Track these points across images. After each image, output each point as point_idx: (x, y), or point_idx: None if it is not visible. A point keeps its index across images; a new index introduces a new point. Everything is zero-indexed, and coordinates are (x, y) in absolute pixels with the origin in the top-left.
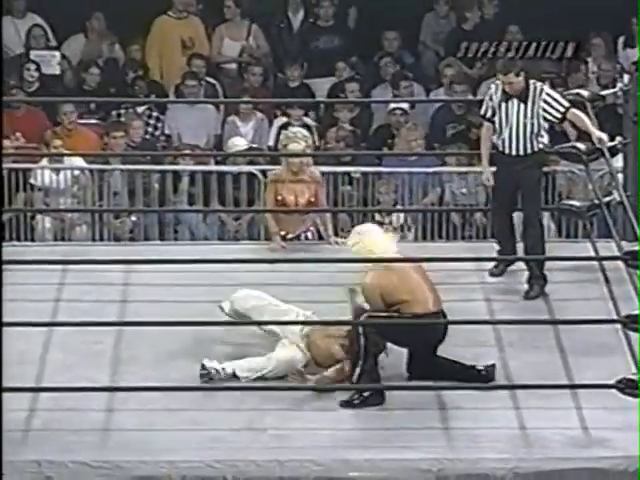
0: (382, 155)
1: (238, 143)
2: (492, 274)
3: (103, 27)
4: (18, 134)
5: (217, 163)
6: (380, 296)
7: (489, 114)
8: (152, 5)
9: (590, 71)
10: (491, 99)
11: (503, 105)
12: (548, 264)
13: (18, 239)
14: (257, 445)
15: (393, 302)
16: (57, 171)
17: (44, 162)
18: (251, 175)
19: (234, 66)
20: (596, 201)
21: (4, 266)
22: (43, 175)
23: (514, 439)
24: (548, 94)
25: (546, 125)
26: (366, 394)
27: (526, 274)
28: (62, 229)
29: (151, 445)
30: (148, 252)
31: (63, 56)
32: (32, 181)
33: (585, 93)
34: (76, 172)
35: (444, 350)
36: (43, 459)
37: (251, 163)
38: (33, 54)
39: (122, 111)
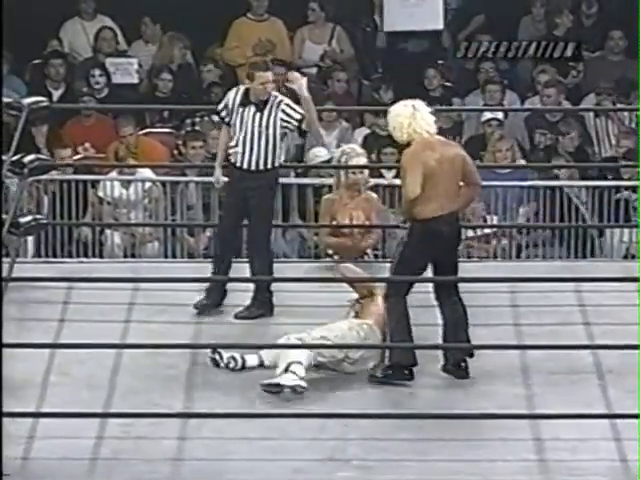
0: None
1: (320, 154)
2: (196, 307)
3: (155, 32)
4: (87, 144)
5: (297, 175)
6: (420, 165)
7: (227, 117)
8: (230, 7)
9: None
10: (230, 102)
11: (240, 110)
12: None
13: (86, 255)
14: (339, 476)
15: (424, 185)
16: (127, 183)
17: (113, 174)
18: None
19: (314, 70)
20: None
21: (72, 283)
22: (112, 187)
23: (614, 471)
24: (287, 104)
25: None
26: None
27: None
28: (132, 245)
29: (226, 476)
30: None
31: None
32: (100, 194)
33: None
34: (147, 184)
35: (538, 379)
36: None
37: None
38: (108, 61)
39: (197, 119)
